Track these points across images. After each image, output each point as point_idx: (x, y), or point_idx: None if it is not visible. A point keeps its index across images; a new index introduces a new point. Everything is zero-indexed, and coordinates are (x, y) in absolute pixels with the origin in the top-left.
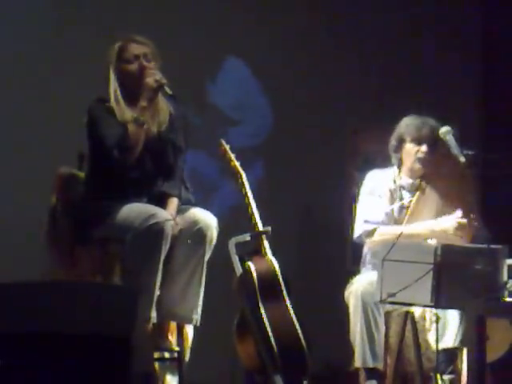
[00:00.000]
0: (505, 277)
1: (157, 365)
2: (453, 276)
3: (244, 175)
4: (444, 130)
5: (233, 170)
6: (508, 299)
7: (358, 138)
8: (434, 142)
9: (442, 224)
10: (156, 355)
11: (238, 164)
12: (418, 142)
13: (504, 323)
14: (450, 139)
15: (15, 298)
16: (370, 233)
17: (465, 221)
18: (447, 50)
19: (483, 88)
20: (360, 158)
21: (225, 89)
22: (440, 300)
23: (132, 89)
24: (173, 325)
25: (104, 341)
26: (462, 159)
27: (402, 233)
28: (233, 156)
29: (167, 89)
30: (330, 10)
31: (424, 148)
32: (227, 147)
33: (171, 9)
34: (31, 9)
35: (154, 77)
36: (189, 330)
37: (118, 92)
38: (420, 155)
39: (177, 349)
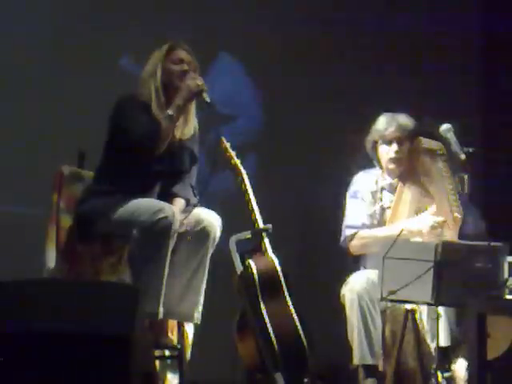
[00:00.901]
0: (505, 274)
1: (157, 363)
2: (453, 273)
3: (244, 173)
4: (444, 128)
5: (233, 168)
6: (508, 297)
7: (358, 136)
8: (405, 139)
9: (418, 223)
10: (156, 353)
11: (238, 162)
12: (387, 142)
13: (505, 320)
14: (451, 137)
15: (14, 297)
16: (352, 237)
17: (440, 219)
18: (448, 49)
19: (484, 86)
20: (360, 157)
21: (217, 85)
22: (440, 297)
23: (171, 89)
24: (173, 323)
25: (104, 339)
26: (463, 157)
27: (402, 231)
28: (233, 154)
29: (205, 95)
30: (331, 10)
31: (393, 147)
32: (228, 145)
33: (169, 5)
34: (33, 9)
35: (195, 81)
36: (189, 328)
37: (160, 88)
38: (391, 155)
39: (177, 347)
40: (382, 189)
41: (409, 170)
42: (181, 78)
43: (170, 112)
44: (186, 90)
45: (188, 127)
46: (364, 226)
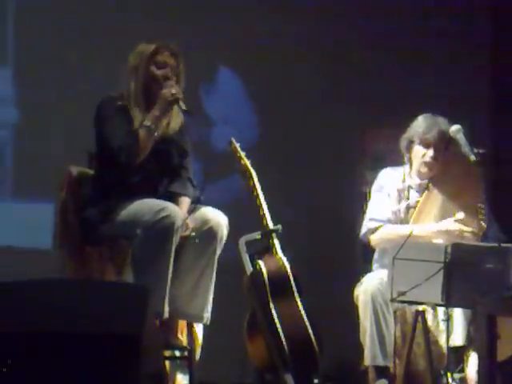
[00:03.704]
0: None
1: (167, 363)
2: (463, 275)
3: (254, 174)
4: (454, 129)
5: (243, 169)
6: None
7: (368, 136)
8: (443, 145)
9: (447, 227)
10: (166, 354)
11: (248, 163)
12: (425, 145)
13: None
14: (461, 138)
15: (22, 297)
16: (374, 230)
17: (469, 229)
18: (458, 50)
19: (494, 86)
20: (370, 157)
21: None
22: (450, 299)
23: (151, 93)
24: (182, 323)
25: (114, 339)
26: (473, 158)
27: (411, 233)
28: (243, 154)
29: (182, 104)
30: (339, 10)
31: (430, 152)
32: (237, 146)
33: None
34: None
35: (171, 89)
36: (199, 329)
37: (140, 91)
38: (426, 159)
39: (187, 347)
40: (410, 187)
41: (441, 173)
42: (161, 84)
43: (147, 123)
44: (162, 100)
45: (173, 123)
46: (388, 222)
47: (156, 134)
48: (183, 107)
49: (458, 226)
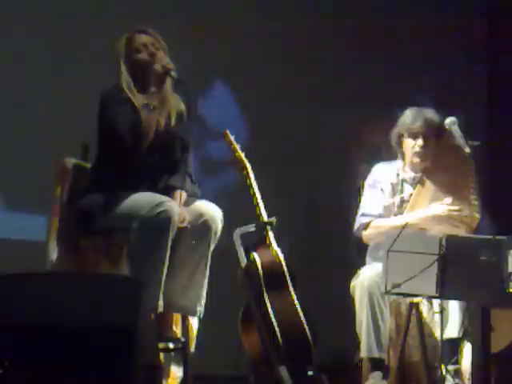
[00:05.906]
0: (509, 268)
1: (162, 356)
2: (458, 267)
3: (249, 166)
4: (449, 121)
5: (238, 161)
6: None
7: (363, 129)
8: (432, 133)
9: (434, 211)
10: (161, 346)
11: (243, 155)
12: (414, 136)
13: (510, 314)
14: (456, 130)
15: (16, 290)
16: (366, 226)
17: (456, 207)
18: (453, 43)
19: (490, 78)
20: (365, 150)
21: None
22: (445, 291)
23: (143, 77)
24: (177, 316)
25: (108, 332)
26: (467, 150)
27: (405, 224)
28: (238, 147)
29: (173, 73)
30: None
31: (419, 142)
32: (232, 138)
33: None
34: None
35: (161, 63)
36: (193, 321)
37: (131, 82)
38: (416, 149)
39: (182, 339)
40: (403, 181)
41: (433, 164)
42: (150, 62)
43: (144, 101)
44: (154, 75)
45: (171, 106)
46: (380, 217)
47: (156, 110)
48: (175, 76)
49: (445, 208)
